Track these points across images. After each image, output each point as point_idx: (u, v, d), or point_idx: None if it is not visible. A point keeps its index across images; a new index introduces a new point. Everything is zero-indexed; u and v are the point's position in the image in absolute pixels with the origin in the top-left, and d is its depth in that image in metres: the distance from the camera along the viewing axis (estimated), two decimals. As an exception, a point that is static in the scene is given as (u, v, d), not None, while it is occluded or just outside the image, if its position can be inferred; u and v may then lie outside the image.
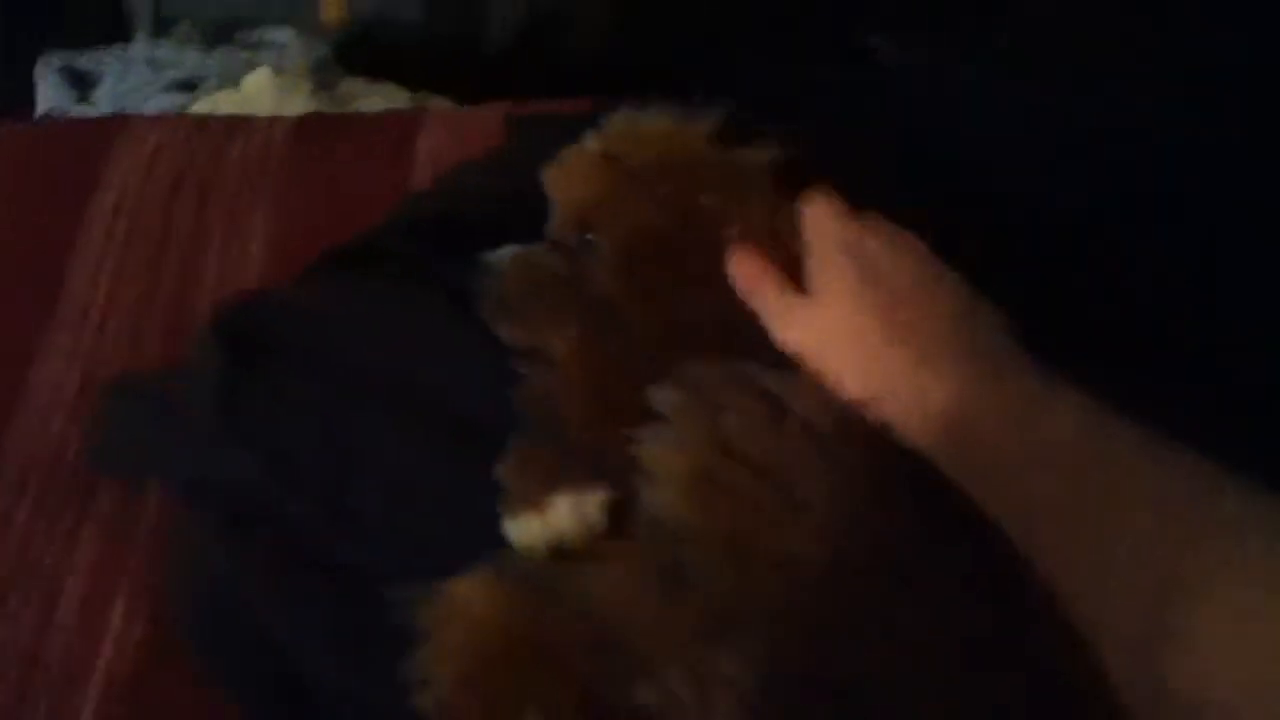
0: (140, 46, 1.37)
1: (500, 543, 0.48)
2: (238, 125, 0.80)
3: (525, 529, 0.49)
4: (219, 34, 1.37)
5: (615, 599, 0.45)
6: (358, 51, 1.27)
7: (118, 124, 0.80)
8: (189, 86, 1.16)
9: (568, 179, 0.53)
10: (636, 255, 0.50)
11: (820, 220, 0.48)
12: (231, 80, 1.11)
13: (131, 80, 1.18)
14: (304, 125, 0.80)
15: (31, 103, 1.16)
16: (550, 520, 0.49)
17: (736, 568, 0.43)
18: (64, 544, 0.54)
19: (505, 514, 0.49)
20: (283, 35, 1.37)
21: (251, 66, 1.13)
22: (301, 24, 1.39)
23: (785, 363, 0.47)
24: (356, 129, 0.79)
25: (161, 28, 1.44)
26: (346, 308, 0.57)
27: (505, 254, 0.53)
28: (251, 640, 0.48)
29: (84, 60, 1.22)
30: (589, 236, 0.51)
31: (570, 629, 0.45)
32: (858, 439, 0.44)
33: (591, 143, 0.52)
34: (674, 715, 0.41)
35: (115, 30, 1.42)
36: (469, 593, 0.46)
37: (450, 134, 0.80)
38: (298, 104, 1.02)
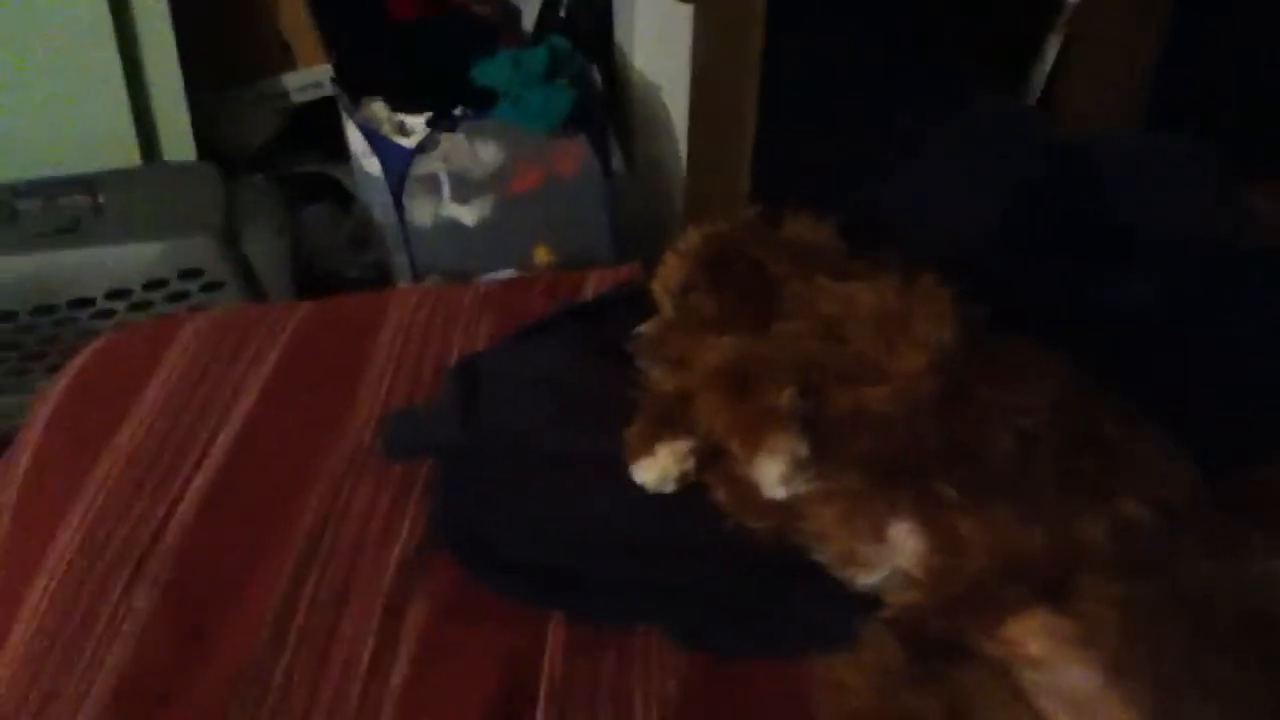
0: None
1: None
2: (466, 285, 1.23)
3: (643, 468, 0.83)
4: (459, 279, 1.81)
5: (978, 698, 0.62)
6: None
7: (391, 291, 1.26)
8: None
9: (661, 276, 0.93)
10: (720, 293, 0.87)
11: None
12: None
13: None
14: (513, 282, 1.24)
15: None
16: (658, 461, 0.83)
17: None
18: (370, 499, 0.91)
19: (630, 462, 0.84)
20: (505, 274, 1.83)
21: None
22: (520, 267, 1.86)
23: None
24: (539, 286, 1.21)
25: (416, 280, 1.89)
26: (526, 351, 1.00)
27: (647, 324, 0.92)
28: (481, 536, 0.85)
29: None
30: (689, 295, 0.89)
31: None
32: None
33: (669, 253, 0.92)
34: None
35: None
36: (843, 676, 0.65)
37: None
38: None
